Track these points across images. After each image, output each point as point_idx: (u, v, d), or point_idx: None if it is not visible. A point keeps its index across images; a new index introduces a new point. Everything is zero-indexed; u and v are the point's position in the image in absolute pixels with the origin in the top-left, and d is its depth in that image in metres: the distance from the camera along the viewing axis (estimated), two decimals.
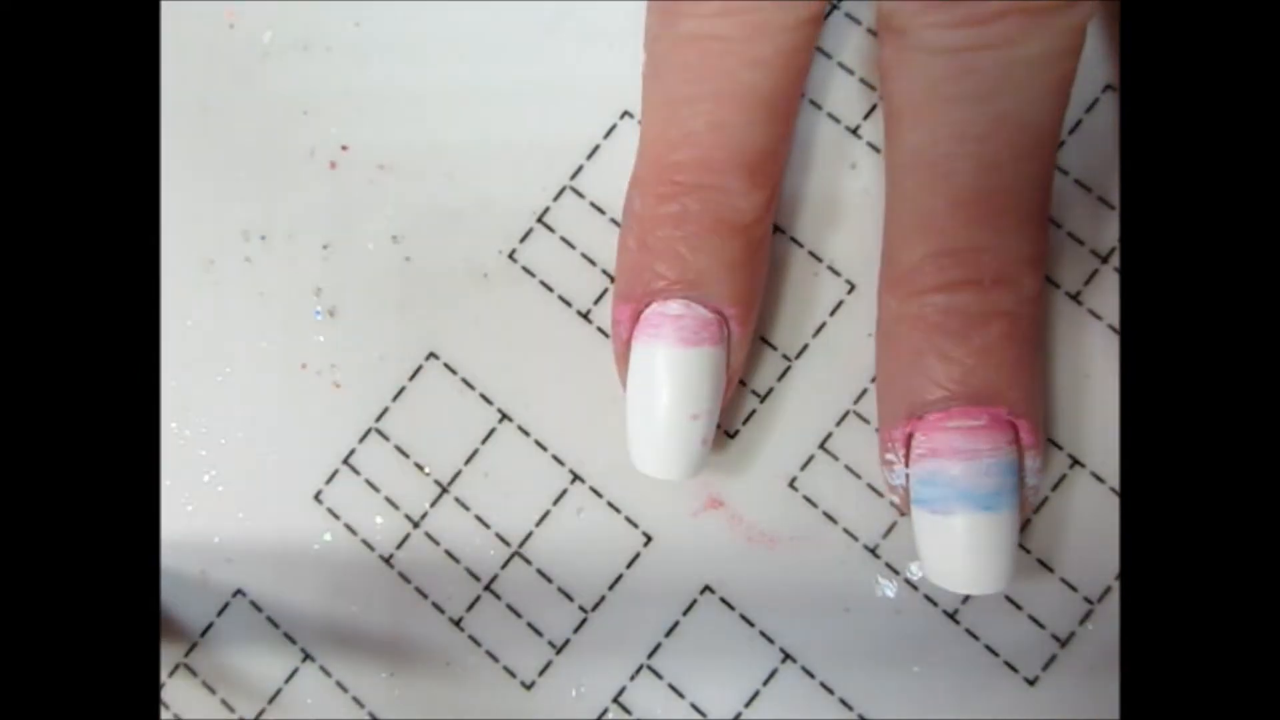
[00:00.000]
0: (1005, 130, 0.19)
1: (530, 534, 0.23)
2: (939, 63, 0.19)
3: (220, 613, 0.24)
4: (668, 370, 0.20)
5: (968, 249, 0.19)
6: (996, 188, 0.19)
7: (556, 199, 0.24)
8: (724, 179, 0.20)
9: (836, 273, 0.23)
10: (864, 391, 0.23)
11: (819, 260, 0.23)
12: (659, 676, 0.23)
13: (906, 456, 0.20)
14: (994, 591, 0.20)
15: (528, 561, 0.23)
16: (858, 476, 0.23)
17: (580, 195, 0.24)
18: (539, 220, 0.24)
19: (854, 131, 0.23)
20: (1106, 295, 0.22)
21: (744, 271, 0.20)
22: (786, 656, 0.22)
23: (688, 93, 0.20)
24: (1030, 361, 0.20)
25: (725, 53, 0.20)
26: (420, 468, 0.23)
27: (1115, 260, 0.22)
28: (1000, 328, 0.19)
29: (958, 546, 0.19)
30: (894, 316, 0.20)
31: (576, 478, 0.23)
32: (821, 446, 0.23)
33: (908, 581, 0.22)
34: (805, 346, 0.23)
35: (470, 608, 0.23)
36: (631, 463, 0.21)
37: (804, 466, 0.23)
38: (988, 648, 0.22)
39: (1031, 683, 0.22)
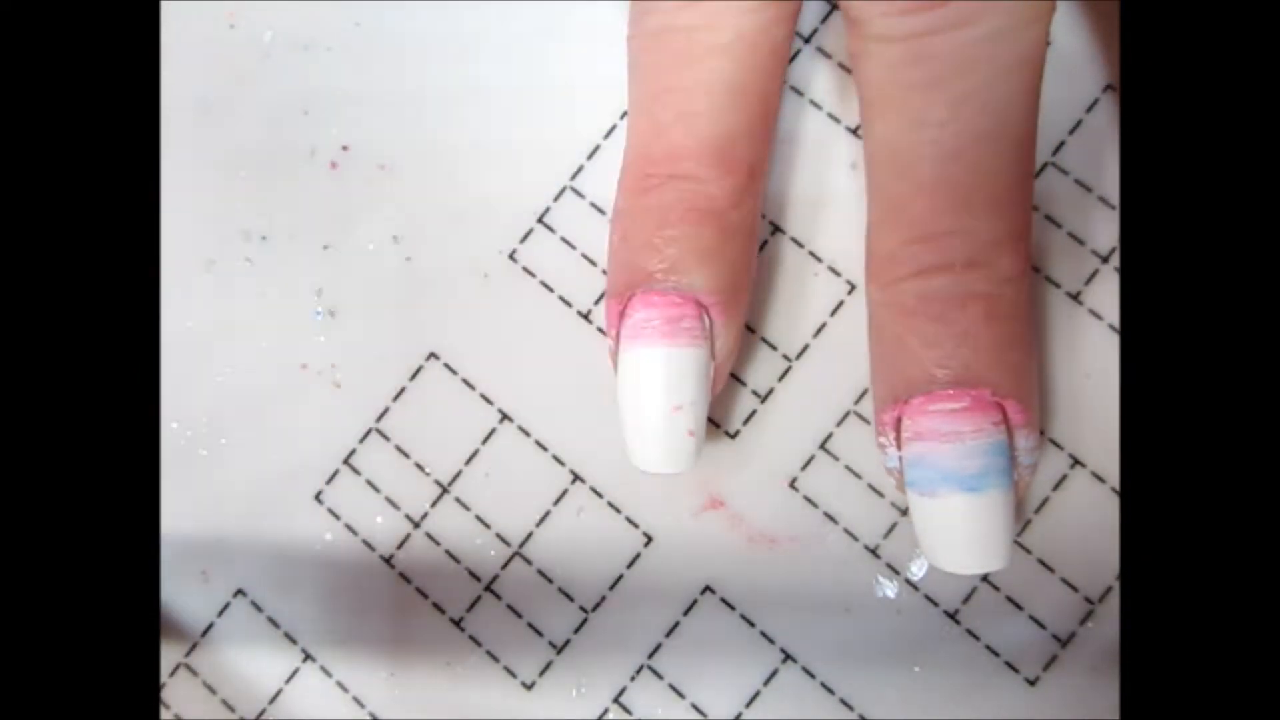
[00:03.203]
0: (966, 113, 0.19)
1: (530, 534, 0.23)
2: (894, 50, 0.19)
3: (221, 613, 0.24)
4: (648, 363, 0.20)
5: (937, 235, 0.19)
6: (961, 172, 0.19)
7: (556, 199, 0.24)
8: (693, 167, 0.20)
9: (836, 273, 0.23)
10: (864, 391, 0.23)
11: (819, 260, 0.23)
12: (659, 676, 0.23)
13: (897, 440, 0.20)
14: (988, 570, 0.20)
15: (528, 561, 0.23)
16: (858, 476, 0.23)
17: (580, 195, 0.24)
18: (539, 220, 0.24)
19: (853, 131, 0.23)
20: (1106, 295, 0.22)
21: (720, 259, 0.20)
22: (787, 656, 0.22)
23: (657, 86, 0.20)
24: (1014, 340, 0.20)
25: (687, 43, 0.20)
26: (420, 468, 0.23)
27: (1115, 260, 0.22)
28: (977, 309, 0.19)
29: (948, 527, 0.20)
30: (876, 305, 0.20)
31: (576, 478, 0.23)
32: (822, 446, 0.23)
33: (908, 581, 0.22)
34: (805, 346, 0.23)
35: (470, 608, 0.23)
36: (628, 459, 0.21)
37: (804, 466, 0.23)
38: (988, 648, 0.22)
39: (1032, 683, 0.22)
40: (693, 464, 0.21)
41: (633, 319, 0.20)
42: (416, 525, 0.23)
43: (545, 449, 0.23)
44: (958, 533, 0.19)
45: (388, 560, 0.23)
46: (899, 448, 0.20)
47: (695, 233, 0.20)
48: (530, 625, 0.23)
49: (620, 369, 0.21)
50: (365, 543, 0.23)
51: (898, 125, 0.19)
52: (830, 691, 0.22)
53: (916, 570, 0.22)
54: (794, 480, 0.23)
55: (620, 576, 0.23)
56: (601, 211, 0.23)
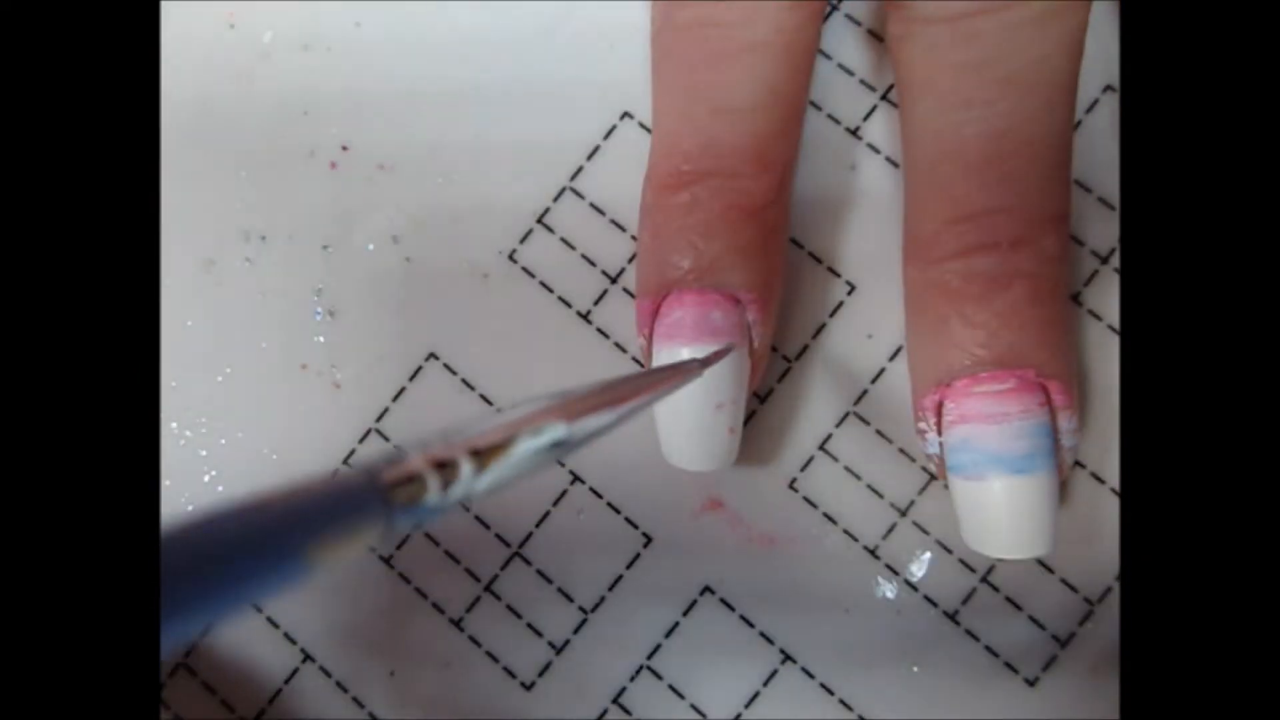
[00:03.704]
0: (1013, 92, 0.19)
1: (530, 534, 0.23)
2: (941, 31, 0.19)
3: None
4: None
5: (983, 213, 0.19)
6: (1008, 150, 0.19)
7: (556, 199, 0.24)
8: (732, 164, 0.20)
9: (836, 274, 0.23)
10: (864, 392, 0.23)
11: (819, 261, 0.23)
12: (659, 677, 0.23)
13: (938, 424, 0.20)
14: (1036, 555, 0.20)
15: (528, 562, 0.23)
16: (858, 477, 0.23)
17: (580, 196, 0.23)
18: (539, 221, 0.24)
19: (854, 133, 0.23)
20: (1106, 295, 0.22)
21: (759, 256, 0.20)
22: (786, 657, 0.22)
23: (691, 81, 0.20)
24: (1057, 321, 0.20)
25: (724, 38, 0.20)
26: None
27: (1115, 260, 0.22)
28: (1022, 289, 0.19)
29: (995, 511, 0.19)
30: (917, 286, 0.20)
31: (576, 478, 0.23)
32: (821, 447, 0.23)
33: (908, 582, 0.22)
34: (805, 347, 0.23)
35: (470, 608, 0.23)
36: (664, 456, 0.21)
37: (804, 467, 0.23)
38: (988, 648, 0.22)
39: (1032, 683, 0.22)
40: (731, 461, 0.20)
41: (670, 317, 0.20)
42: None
43: None
44: (1005, 516, 0.19)
45: (387, 560, 0.23)
46: (940, 432, 0.20)
47: (735, 230, 0.20)
48: (530, 625, 0.23)
49: (657, 366, 0.21)
50: None
51: (943, 105, 0.19)
52: (830, 692, 0.22)
53: (916, 570, 0.22)
54: (794, 480, 0.23)
55: (620, 577, 0.23)
56: (601, 212, 0.23)
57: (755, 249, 0.20)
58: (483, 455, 0.12)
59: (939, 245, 0.20)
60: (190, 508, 0.24)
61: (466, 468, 0.12)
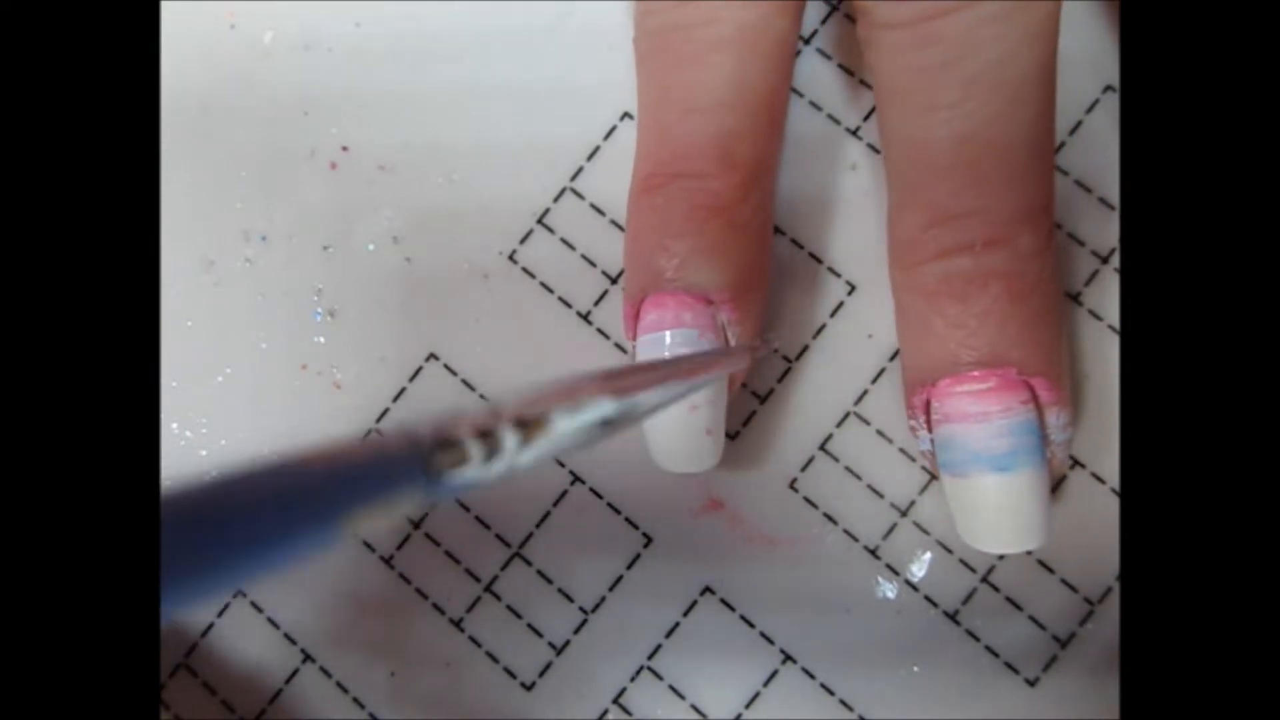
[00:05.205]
0: (979, 93, 0.19)
1: (530, 534, 0.23)
2: (902, 36, 0.19)
3: (220, 613, 0.24)
4: None
5: (955, 215, 0.19)
6: (978, 152, 0.19)
7: (557, 200, 0.24)
8: (697, 164, 0.20)
9: (837, 274, 0.23)
10: (864, 392, 0.23)
11: (819, 262, 0.23)
12: (659, 677, 0.23)
13: (928, 423, 0.20)
14: (1025, 549, 0.20)
15: (528, 562, 0.23)
16: (858, 477, 0.23)
17: (580, 196, 0.23)
18: (539, 221, 0.24)
19: (853, 133, 0.23)
20: (1106, 295, 0.22)
21: (728, 255, 0.20)
22: (787, 657, 0.22)
23: (662, 84, 0.20)
24: (1038, 318, 0.20)
25: (688, 40, 0.20)
26: None
27: (1115, 260, 0.22)
28: (998, 288, 0.19)
29: (984, 507, 0.20)
30: (901, 288, 0.20)
31: (576, 478, 0.23)
32: (822, 448, 0.23)
33: (908, 582, 0.22)
34: (805, 348, 0.23)
35: (470, 608, 0.23)
36: (652, 459, 0.21)
37: (804, 468, 0.23)
38: (988, 649, 0.22)
39: (1032, 684, 0.22)
40: (714, 462, 0.21)
41: (646, 320, 0.20)
42: (417, 526, 0.23)
43: None
44: (992, 513, 0.20)
45: (388, 560, 0.23)
46: (929, 430, 0.20)
47: (701, 230, 0.20)
48: (530, 626, 0.23)
49: None
50: (365, 543, 0.23)
51: (910, 110, 0.19)
52: (830, 692, 0.22)
53: (916, 570, 0.22)
54: (794, 481, 0.23)
55: (620, 577, 0.23)
56: (601, 212, 0.23)
57: (723, 248, 0.20)
58: (528, 427, 0.12)
59: (917, 248, 0.20)
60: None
61: (511, 439, 0.11)
